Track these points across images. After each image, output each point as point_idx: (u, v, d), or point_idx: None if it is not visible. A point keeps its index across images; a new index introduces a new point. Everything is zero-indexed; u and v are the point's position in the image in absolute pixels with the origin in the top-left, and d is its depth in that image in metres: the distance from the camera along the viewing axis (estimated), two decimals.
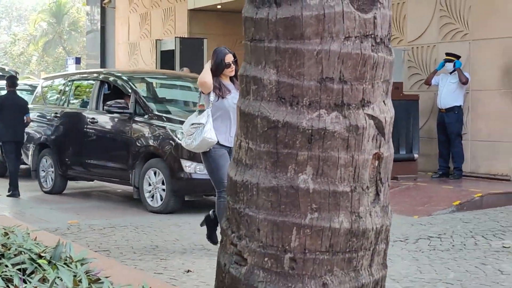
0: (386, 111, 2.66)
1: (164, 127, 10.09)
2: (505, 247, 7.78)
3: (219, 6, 18.57)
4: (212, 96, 6.88)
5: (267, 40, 2.62)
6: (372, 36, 2.59)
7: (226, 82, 7.04)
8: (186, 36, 18.01)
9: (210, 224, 7.27)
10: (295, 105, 2.60)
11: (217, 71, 6.92)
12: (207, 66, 6.95)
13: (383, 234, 2.70)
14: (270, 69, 2.62)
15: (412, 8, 12.52)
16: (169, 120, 10.24)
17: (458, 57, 11.61)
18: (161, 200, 10.17)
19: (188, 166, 9.80)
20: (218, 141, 6.80)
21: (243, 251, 2.69)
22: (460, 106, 11.70)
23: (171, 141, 9.96)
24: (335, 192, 2.60)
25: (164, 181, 10.02)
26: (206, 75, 6.82)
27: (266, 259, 2.65)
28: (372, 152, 2.64)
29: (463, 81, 11.39)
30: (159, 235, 8.47)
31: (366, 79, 2.60)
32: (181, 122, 9.96)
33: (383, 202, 2.70)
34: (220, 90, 6.93)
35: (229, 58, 6.93)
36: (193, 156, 9.71)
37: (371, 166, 2.65)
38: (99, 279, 3.98)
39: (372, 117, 2.61)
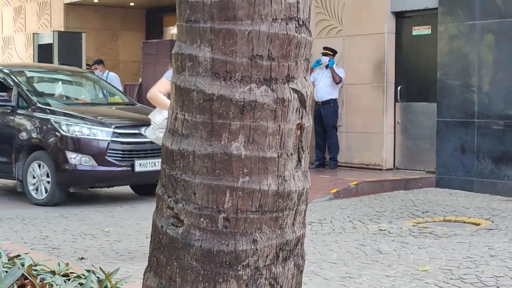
0: (307, 86, 3.01)
1: (48, 120, 10.13)
2: (381, 229, 8.37)
3: (96, 1, 18.56)
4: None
5: (202, 21, 2.88)
6: (296, 18, 2.92)
7: None
8: (62, 30, 17.91)
9: None
10: (229, 80, 2.88)
11: None
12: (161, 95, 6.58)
13: (304, 196, 3.04)
14: (205, 48, 2.89)
15: None
16: (53, 112, 10.28)
17: (335, 52, 12.19)
18: (46, 192, 10.21)
19: (73, 158, 9.88)
20: None
21: (179, 214, 2.95)
22: (336, 99, 12.28)
23: (55, 133, 10.01)
24: (264, 158, 2.91)
25: (49, 173, 10.05)
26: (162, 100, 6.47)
27: (201, 219, 2.92)
28: (295, 122, 2.96)
29: (337, 81, 12.03)
30: (47, 226, 8.56)
31: (291, 57, 2.93)
32: (65, 114, 10.06)
33: (304, 167, 3.04)
34: None
35: None
36: (78, 148, 9.81)
37: (295, 135, 2.97)
38: (19, 255, 4.16)
39: (296, 91, 2.94)
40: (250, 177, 2.90)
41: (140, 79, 14.77)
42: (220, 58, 2.88)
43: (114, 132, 9.98)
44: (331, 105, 12.20)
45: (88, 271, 4.21)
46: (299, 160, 3.01)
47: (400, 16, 12.50)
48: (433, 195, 11.02)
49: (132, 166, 10.02)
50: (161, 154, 3.10)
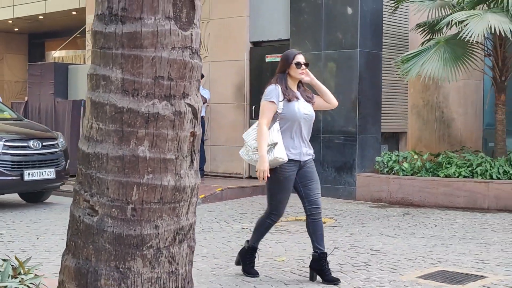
0: (198, 102, 3.36)
1: None
2: (243, 228, 8.69)
3: None
4: (280, 106, 5.53)
5: (114, 48, 3.17)
6: (190, 47, 3.26)
7: (294, 88, 5.68)
8: None
9: (245, 256, 6.14)
10: (136, 96, 3.17)
11: (283, 68, 5.62)
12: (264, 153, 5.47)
13: (195, 190, 3.38)
14: (116, 69, 3.18)
15: None
16: None
17: (202, 75, 12.49)
18: None
19: None
20: (289, 158, 5.55)
21: (94, 205, 3.22)
22: (202, 116, 12.55)
23: None
24: (165, 159, 3.23)
25: None
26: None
27: (113, 209, 3.19)
28: (189, 130, 3.30)
29: (203, 101, 12.33)
30: None
31: (186, 78, 3.26)
32: None
33: (195, 167, 3.38)
34: (286, 91, 5.56)
35: (300, 58, 5.62)
36: None
37: (189, 141, 3.31)
38: None
39: (190, 105, 3.28)
40: (153, 174, 3.20)
41: (26, 98, 14.56)
42: (129, 78, 3.17)
43: (4, 145, 9.91)
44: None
45: (4, 260, 4.32)
46: (192, 161, 3.35)
47: (257, 46, 12.80)
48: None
49: (21, 175, 9.96)
50: (77, 156, 3.34)
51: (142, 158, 3.19)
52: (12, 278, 4.01)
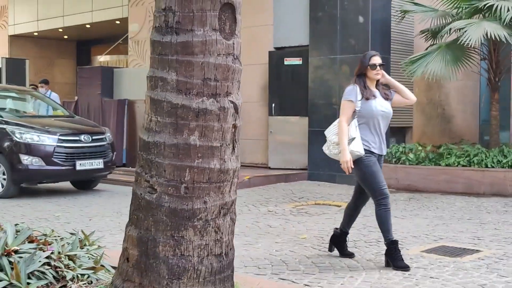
0: (239, 99, 3.59)
1: (4, 128, 10.23)
2: (269, 211, 8.89)
3: (35, 33, 18.37)
4: (359, 104, 5.47)
5: (170, 54, 3.41)
6: (232, 54, 3.50)
7: (372, 87, 5.62)
8: (8, 57, 17.70)
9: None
10: (188, 94, 3.39)
11: (360, 71, 5.57)
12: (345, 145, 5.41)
13: (236, 172, 3.61)
14: (172, 72, 3.42)
15: None
16: (7, 123, 10.37)
17: None
18: (2, 187, 10.26)
19: (26, 159, 10.00)
20: (369, 150, 5.47)
21: (154, 185, 3.46)
22: None
23: (10, 139, 10.14)
24: (212, 147, 3.45)
25: (5, 172, 10.13)
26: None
27: (169, 188, 3.42)
28: (232, 123, 3.52)
29: None
30: (7, 213, 8.69)
31: (229, 79, 3.49)
32: (17, 124, 10.18)
33: (236, 153, 3.60)
34: (365, 90, 5.51)
35: (376, 59, 5.53)
36: (29, 151, 9.98)
37: (231, 131, 3.54)
38: (17, 224, 4.50)
39: (232, 102, 3.51)
40: (203, 159, 3.44)
41: (76, 97, 14.87)
42: (182, 79, 3.40)
43: (59, 139, 10.20)
44: None
45: (72, 234, 4.59)
46: (233, 148, 3.57)
47: (279, 50, 12.96)
48: (306, 186, 11.46)
49: (74, 165, 10.25)
50: (138, 144, 3.60)
51: (193, 145, 3.41)
52: (79, 249, 4.28)
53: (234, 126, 3.55)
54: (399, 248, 5.59)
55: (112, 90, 13.99)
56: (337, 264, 5.73)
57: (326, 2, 12.05)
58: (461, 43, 9.97)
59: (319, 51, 12.12)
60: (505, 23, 9.95)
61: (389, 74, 11.73)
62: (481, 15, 10.87)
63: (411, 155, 11.12)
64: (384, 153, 5.66)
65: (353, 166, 5.42)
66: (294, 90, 12.75)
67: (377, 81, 5.62)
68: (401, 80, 11.84)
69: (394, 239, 5.57)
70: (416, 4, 11.59)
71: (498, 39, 9.85)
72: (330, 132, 5.60)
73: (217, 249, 3.52)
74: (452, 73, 10.52)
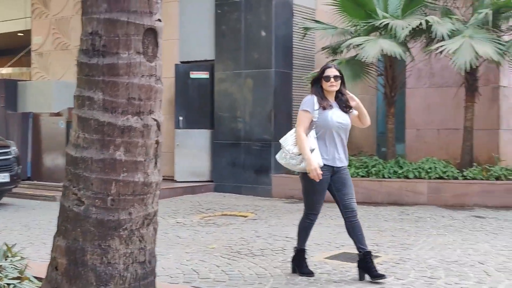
0: (161, 117, 3.90)
1: None
2: (178, 222, 9.11)
3: None
4: (316, 114, 5.50)
5: (96, 76, 3.67)
6: (155, 75, 3.82)
7: (330, 98, 5.63)
8: None
9: (298, 260, 5.92)
10: (114, 112, 3.65)
11: (316, 82, 5.62)
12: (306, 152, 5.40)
13: (158, 185, 3.90)
14: (99, 92, 3.67)
15: None
16: None
17: None
18: None
19: None
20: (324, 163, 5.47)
21: (81, 197, 3.69)
22: None
23: None
24: (136, 161, 3.73)
25: None
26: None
27: (96, 200, 3.66)
28: (154, 139, 3.82)
29: None
30: None
31: (152, 98, 3.79)
32: None
33: (158, 167, 3.90)
34: (322, 101, 5.54)
35: (330, 71, 5.57)
36: None
37: (154, 147, 3.84)
38: None
39: (155, 119, 3.82)
40: (128, 173, 3.71)
41: None
42: (108, 99, 3.67)
43: None
44: None
45: None
46: (156, 163, 3.87)
47: (185, 64, 13.23)
48: (212, 197, 11.79)
49: None
50: (66, 159, 3.83)
51: (118, 160, 3.69)
52: (3, 260, 4.42)
53: (157, 142, 3.86)
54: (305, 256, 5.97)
55: (16, 103, 13.82)
56: (246, 271, 6.05)
57: (231, 17, 12.48)
58: (360, 59, 10.63)
59: (225, 65, 12.50)
60: (400, 40, 10.69)
61: (291, 89, 12.41)
62: (378, 32, 11.59)
63: None
64: (340, 165, 5.58)
65: (307, 177, 5.44)
66: (200, 103, 13.05)
67: (338, 92, 5.61)
68: (303, 94, 12.47)
69: (304, 248, 5.88)
70: (317, 21, 12.23)
71: (394, 56, 10.58)
72: (287, 142, 5.56)
73: (141, 257, 3.81)
74: (351, 89, 11.14)
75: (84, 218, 3.70)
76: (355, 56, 11.06)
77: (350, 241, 7.60)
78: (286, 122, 12.31)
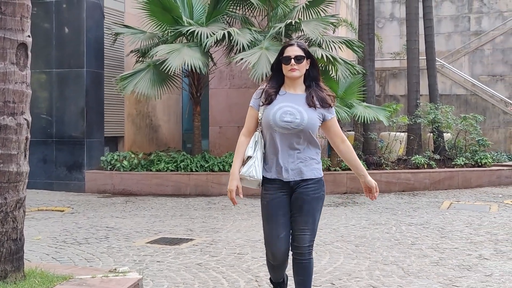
0: (29, 117, 4.78)
1: None
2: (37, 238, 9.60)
3: None
4: (262, 110, 4.17)
5: None
6: (26, 82, 4.68)
7: (292, 88, 4.19)
8: None
9: None
10: None
11: (277, 66, 4.22)
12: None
13: (27, 174, 4.78)
14: None
15: None
16: None
17: None
18: None
19: None
20: (265, 177, 4.15)
21: None
22: None
23: None
24: (11, 154, 4.59)
25: None
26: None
27: None
28: (25, 136, 4.69)
29: None
30: None
31: (24, 102, 4.66)
32: None
33: (27, 159, 4.78)
34: (270, 90, 4.18)
35: (291, 50, 4.12)
36: None
37: (24, 142, 4.71)
38: None
39: (25, 119, 4.70)
40: (3, 164, 4.56)
41: None
42: None
43: None
44: None
45: None
46: (25, 156, 4.74)
47: None
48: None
49: None
50: None
51: None
52: None
53: (26, 138, 4.74)
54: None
55: None
56: (75, 257, 6.83)
57: (41, 18, 12.95)
58: (163, 70, 11.58)
59: (35, 64, 12.85)
60: (205, 50, 11.87)
61: (103, 88, 13.18)
62: (184, 38, 12.74)
63: (125, 162, 12.60)
64: (293, 178, 4.13)
65: (242, 197, 4.15)
66: None
67: (315, 82, 4.20)
68: (114, 94, 13.31)
69: (279, 281, 4.56)
70: (126, 26, 13.10)
71: (194, 69, 11.54)
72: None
73: (14, 235, 4.66)
74: (157, 92, 12.17)
75: None
76: (163, 62, 11.81)
77: (167, 228, 8.73)
78: (98, 121, 13.07)
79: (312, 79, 4.22)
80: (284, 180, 4.11)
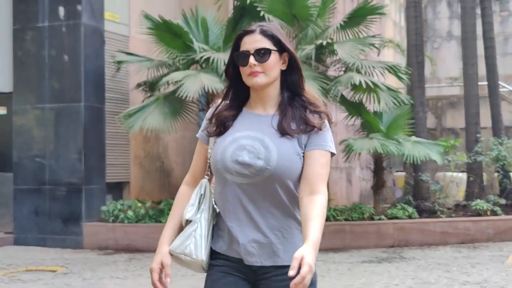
0: None
1: None
2: None
3: None
4: (211, 143, 2.97)
5: None
6: None
7: (257, 109, 2.92)
8: None
9: None
10: None
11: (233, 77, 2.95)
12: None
13: None
14: None
15: None
16: None
17: None
18: None
19: None
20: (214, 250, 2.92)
21: None
22: None
23: None
24: None
25: None
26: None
27: None
28: None
29: None
30: None
31: None
32: None
33: None
34: (223, 110, 2.96)
35: (249, 42, 2.84)
36: None
37: None
38: None
39: None
40: None
41: None
42: None
43: None
44: None
45: None
46: None
47: None
48: (13, 252, 12.09)
49: None
50: None
51: None
52: None
53: None
54: None
55: None
56: None
57: (33, 45, 13.07)
58: (180, 96, 11.61)
59: (24, 98, 12.99)
60: (222, 76, 11.85)
61: (104, 125, 13.17)
62: (198, 65, 12.73)
63: (130, 213, 12.51)
64: (257, 262, 2.85)
65: (169, 281, 2.97)
66: None
67: (296, 93, 2.90)
68: (118, 133, 13.30)
69: None
70: (130, 54, 13.13)
71: (216, 92, 11.69)
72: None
73: None
74: (171, 126, 12.18)
75: None
76: (174, 91, 11.83)
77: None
78: (98, 164, 13.03)
79: (289, 87, 2.90)
80: (244, 262, 2.85)
